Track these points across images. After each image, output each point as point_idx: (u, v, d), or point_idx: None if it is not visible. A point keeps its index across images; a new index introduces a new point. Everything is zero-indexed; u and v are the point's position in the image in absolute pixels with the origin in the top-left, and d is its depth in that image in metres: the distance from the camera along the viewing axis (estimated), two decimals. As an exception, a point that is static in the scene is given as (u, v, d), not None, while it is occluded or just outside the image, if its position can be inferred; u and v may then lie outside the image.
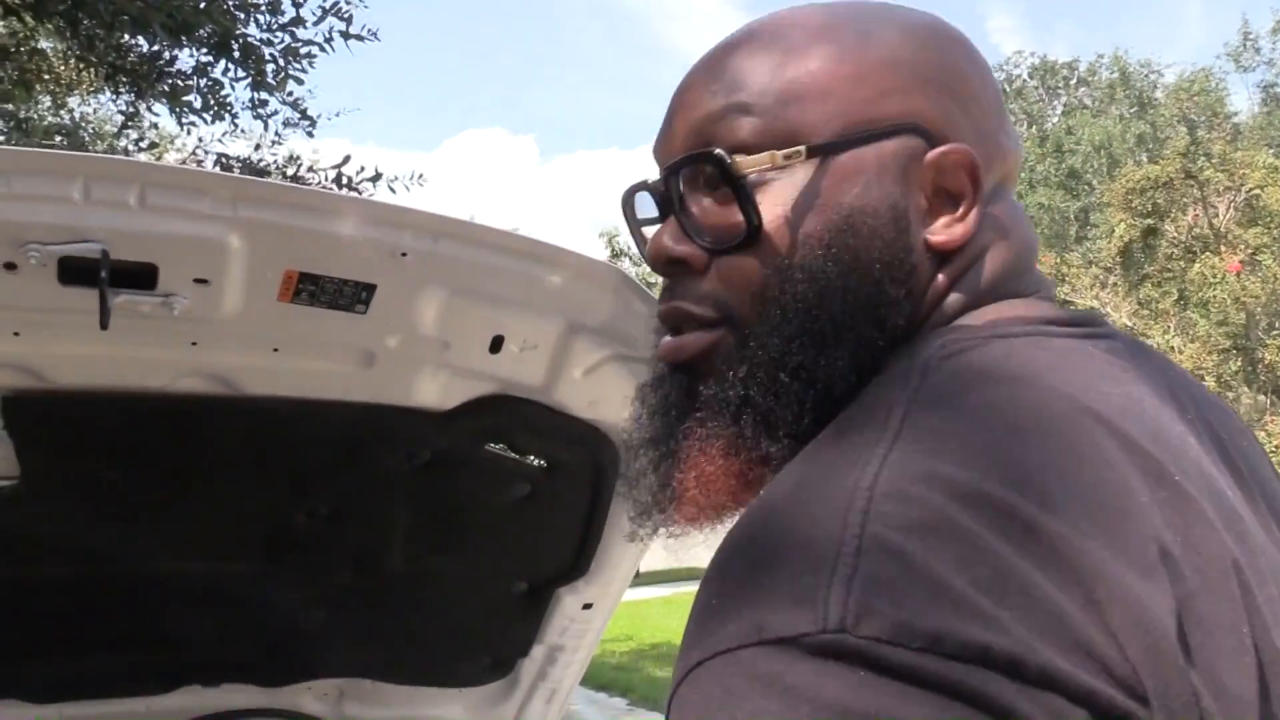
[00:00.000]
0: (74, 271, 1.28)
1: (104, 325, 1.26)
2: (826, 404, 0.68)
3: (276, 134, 7.57)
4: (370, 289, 1.44)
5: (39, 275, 1.27)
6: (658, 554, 19.30)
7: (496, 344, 1.62)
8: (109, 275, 1.26)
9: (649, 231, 0.79)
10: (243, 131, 8.06)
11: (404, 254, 1.40)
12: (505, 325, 1.59)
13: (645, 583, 17.69)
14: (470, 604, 2.26)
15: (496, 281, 1.51)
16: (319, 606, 2.12)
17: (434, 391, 1.69)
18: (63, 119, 10.24)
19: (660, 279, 0.77)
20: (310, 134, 7.66)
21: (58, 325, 1.37)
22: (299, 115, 7.43)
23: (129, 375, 1.52)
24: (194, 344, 1.48)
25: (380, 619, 2.21)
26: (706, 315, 0.72)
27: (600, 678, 10.35)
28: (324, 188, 7.08)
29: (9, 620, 1.90)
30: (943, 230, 0.71)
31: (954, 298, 0.72)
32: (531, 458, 1.95)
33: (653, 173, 0.78)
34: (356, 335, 1.53)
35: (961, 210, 0.71)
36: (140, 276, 1.32)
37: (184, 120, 7.14)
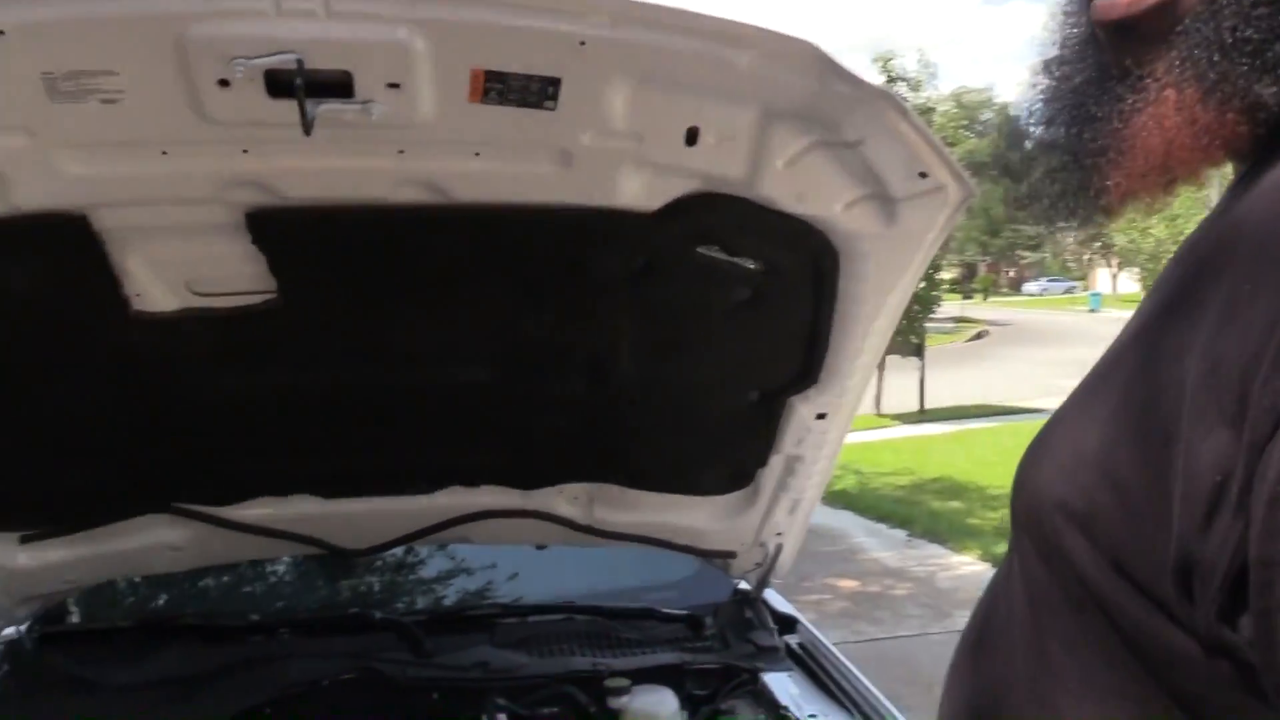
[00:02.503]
0: (279, 84, 1.36)
1: (307, 132, 1.34)
2: None
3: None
4: (555, 83, 1.43)
5: (249, 90, 1.36)
6: (943, 390, 18.80)
7: (692, 136, 1.57)
8: (307, 85, 1.33)
9: None
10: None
11: (582, 43, 1.38)
12: (698, 115, 1.54)
13: (930, 419, 17.37)
14: (705, 413, 2.30)
15: (682, 67, 1.46)
16: (559, 415, 2.23)
17: (637, 190, 1.69)
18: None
19: None
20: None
21: (277, 139, 1.47)
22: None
23: (352, 187, 1.62)
24: (401, 152, 1.55)
25: (619, 427, 2.30)
26: None
27: (880, 509, 10.38)
28: None
29: (290, 424, 2.15)
30: None
31: None
32: (747, 261, 1.91)
33: None
34: (550, 134, 1.54)
35: None
36: (337, 85, 1.38)
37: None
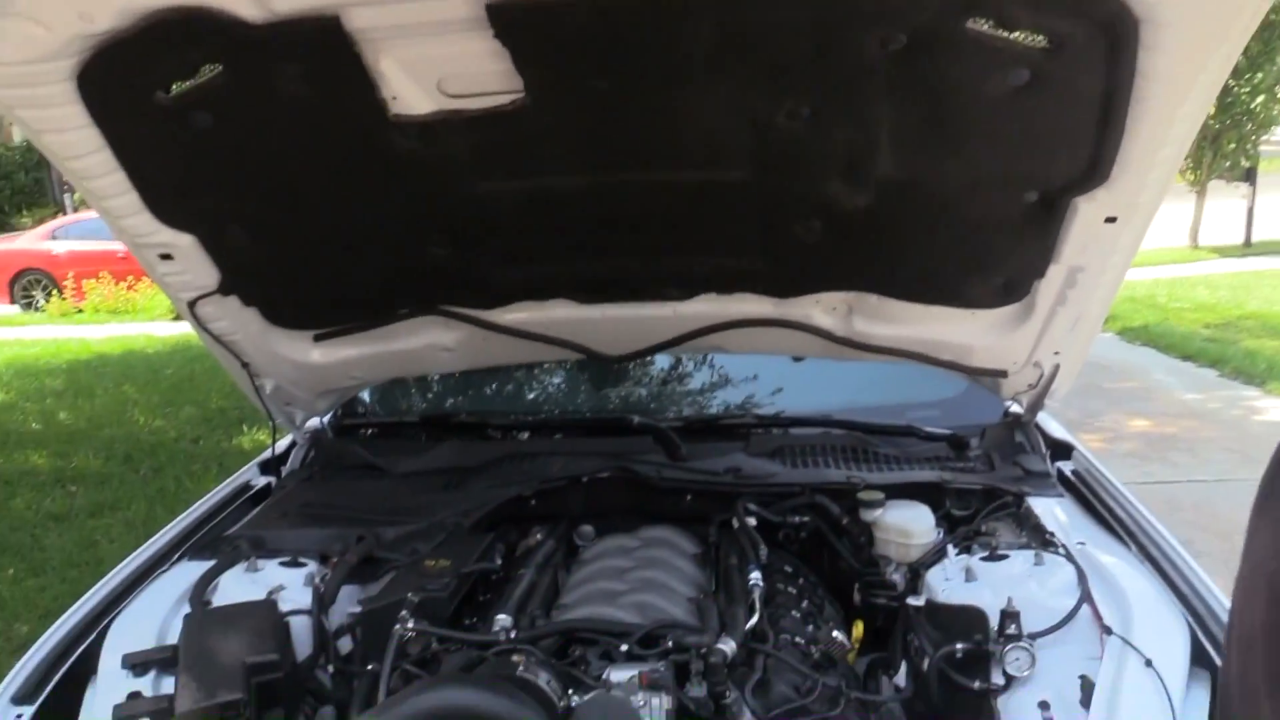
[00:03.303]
0: None
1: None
2: None
3: None
4: None
5: None
6: (1275, 222, 16.57)
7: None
8: None
9: None
10: None
11: None
12: None
13: (1257, 253, 15.51)
14: (975, 216, 2.10)
15: None
16: (815, 217, 2.11)
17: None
18: None
19: None
20: None
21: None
22: None
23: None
24: None
25: (880, 232, 2.15)
26: None
27: (1188, 347, 9.49)
28: None
29: (545, 228, 2.18)
30: None
31: None
32: (1026, 35, 1.68)
33: None
34: None
35: None
36: None
37: None
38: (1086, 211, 2.00)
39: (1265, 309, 11.35)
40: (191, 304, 2.27)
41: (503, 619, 1.94)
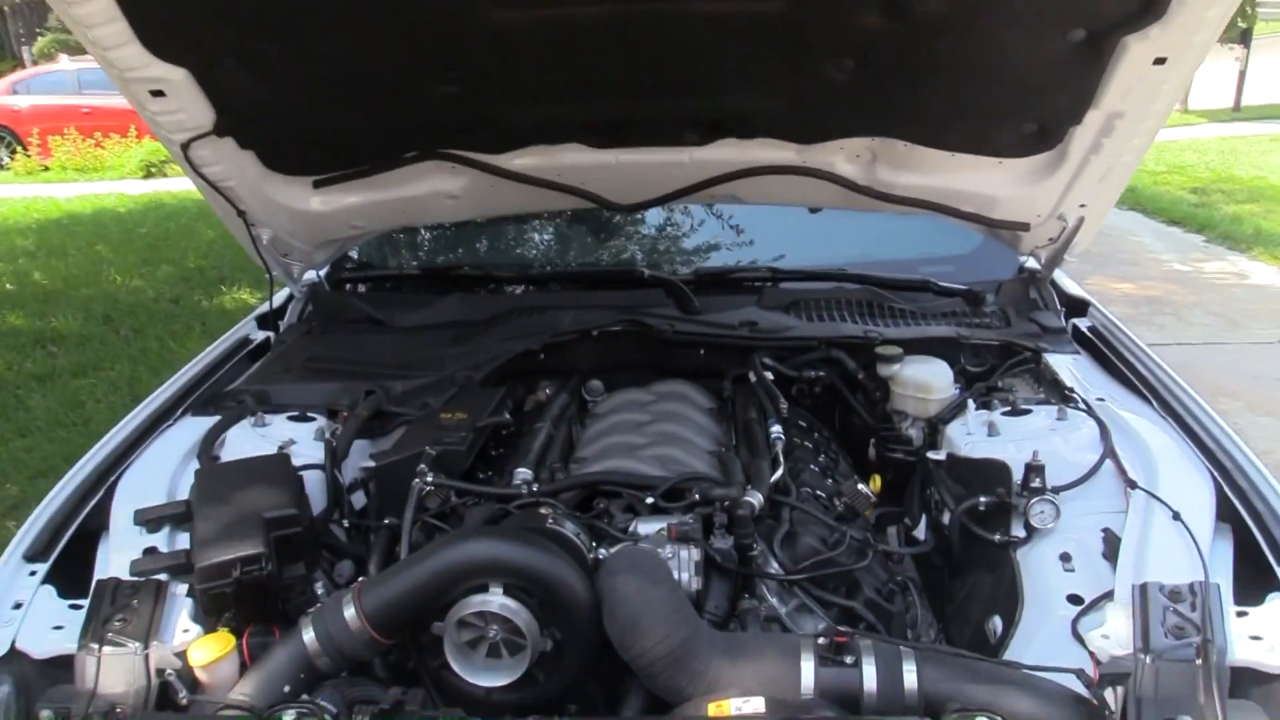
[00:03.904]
0: None
1: None
2: None
3: None
4: None
5: None
6: (1266, 87, 16.31)
7: None
8: None
9: None
10: None
11: None
12: None
13: (1245, 118, 15.34)
14: (1017, 55, 1.98)
15: None
16: (848, 54, 1.99)
17: None
18: None
19: None
20: None
21: None
22: None
23: None
24: None
25: (915, 72, 2.04)
26: None
27: (1175, 212, 9.46)
28: None
29: (561, 64, 2.04)
30: None
31: None
32: None
33: None
34: None
35: None
36: None
37: None
38: (1136, 51, 1.89)
39: (1252, 175, 11.29)
40: (185, 146, 2.14)
41: (523, 472, 1.90)
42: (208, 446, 2.00)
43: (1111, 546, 1.66)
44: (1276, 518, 1.63)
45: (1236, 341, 6.10)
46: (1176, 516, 1.64)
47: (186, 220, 9.90)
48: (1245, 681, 1.37)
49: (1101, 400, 2.10)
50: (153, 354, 5.86)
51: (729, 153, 2.32)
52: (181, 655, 1.50)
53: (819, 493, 1.97)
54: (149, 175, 13.51)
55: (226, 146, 2.19)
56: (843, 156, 2.34)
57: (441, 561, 1.49)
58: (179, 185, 12.34)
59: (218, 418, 2.11)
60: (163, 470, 1.93)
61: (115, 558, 1.69)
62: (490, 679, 1.50)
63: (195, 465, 1.94)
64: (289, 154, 2.30)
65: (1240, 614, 1.44)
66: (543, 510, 1.71)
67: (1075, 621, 1.53)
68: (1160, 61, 1.91)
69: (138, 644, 1.48)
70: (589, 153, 2.32)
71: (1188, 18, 1.79)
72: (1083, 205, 2.38)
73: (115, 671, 1.46)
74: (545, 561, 1.49)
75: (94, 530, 1.80)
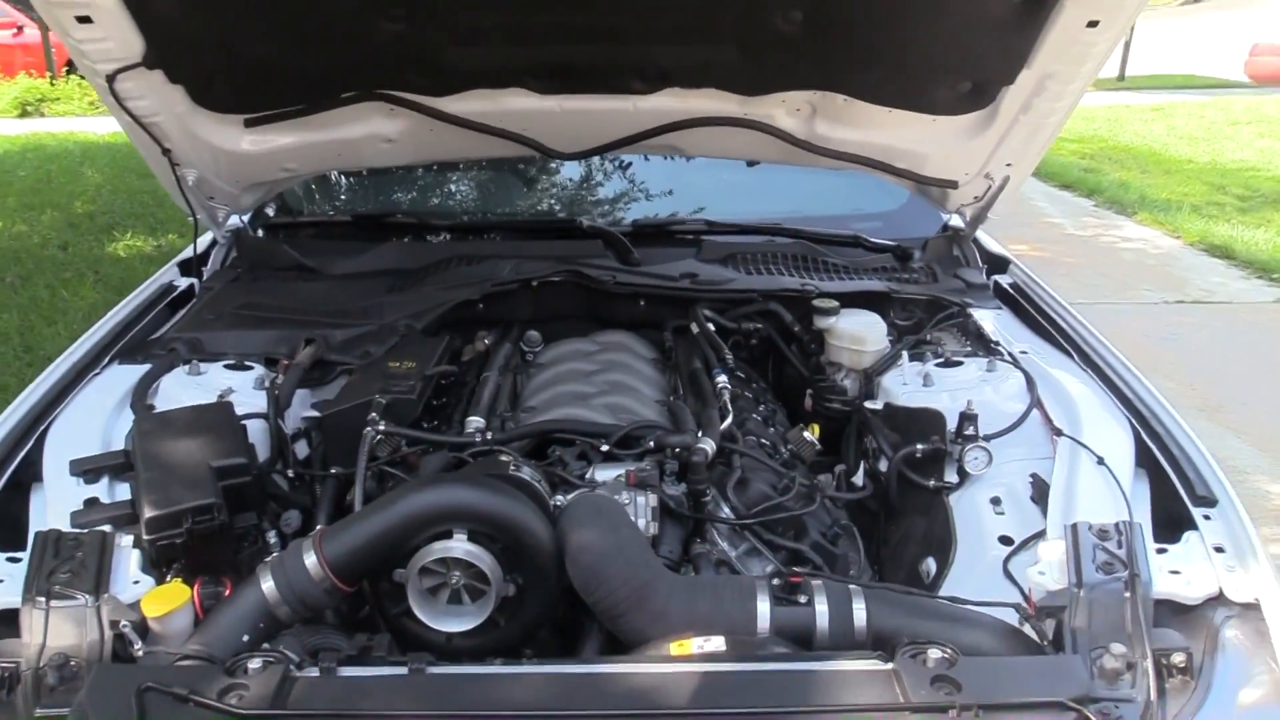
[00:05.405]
0: None
1: None
2: None
3: None
4: None
5: None
6: (1148, 57, 17.00)
7: None
8: None
9: None
10: None
11: None
12: None
13: (1129, 87, 15.92)
14: (960, 11, 2.03)
15: None
16: (797, 6, 2.00)
17: None
18: None
19: None
20: None
21: None
22: None
23: None
24: None
25: (861, 26, 2.07)
26: None
27: (1066, 176, 9.80)
28: None
29: (507, 4, 2.00)
30: None
31: None
32: None
33: None
34: None
35: None
36: None
37: None
38: (1072, 12, 1.96)
39: (1136, 142, 11.75)
40: (111, 78, 2.03)
41: (476, 420, 1.89)
42: (141, 395, 1.93)
43: (1039, 491, 1.75)
44: (1190, 462, 1.74)
45: (1123, 302, 6.39)
46: (1101, 461, 1.73)
47: (70, 163, 9.38)
48: (1166, 612, 1.46)
49: (1025, 353, 2.19)
50: (44, 303, 5.57)
51: (673, 103, 2.32)
52: (135, 607, 1.46)
53: (764, 441, 2.02)
54: (24, 114, 12.74)
55: (155, 79, 2.08)
56: (784, 110, 2.36)
57: (407, 507, 1.48)
58: (60, 126, 11.70)
59: (148, 366, 2.04)
60: (94, 420, 1.85)
61: (53, 509, 1.62)
62: (453, 624, 1.51)
63: (128, 414, 1.87)
64: (221, 90, 2.21)
65: (1160, 551, 1.53)
66: (504, 458, 1.71)
67: (1006, 561, 1.62)
68: (1093, 24, 1.99)
69: (88, 596, 1.43)
70: (533, 98, 2.29)
71: None
72: (1009, 165, 2.47)
73: (64, 624, 1.40)
74: (512, 507, 1.49)
75: (26, 480, 1.73)
